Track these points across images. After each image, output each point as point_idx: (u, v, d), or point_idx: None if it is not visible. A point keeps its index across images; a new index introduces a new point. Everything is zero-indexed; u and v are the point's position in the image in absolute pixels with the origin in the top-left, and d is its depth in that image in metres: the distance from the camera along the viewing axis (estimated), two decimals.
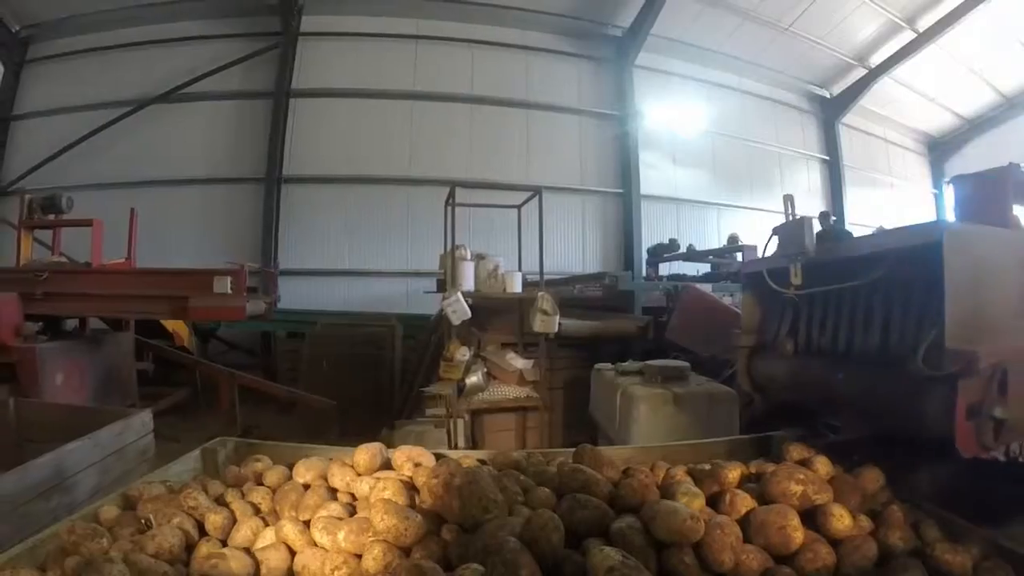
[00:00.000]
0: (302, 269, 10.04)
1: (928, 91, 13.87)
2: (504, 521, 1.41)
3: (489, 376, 4.98)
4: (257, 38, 10.77)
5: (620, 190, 11.65)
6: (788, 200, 2.63)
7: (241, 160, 10.59)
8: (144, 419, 3.21)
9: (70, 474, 2.63)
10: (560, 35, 11.61)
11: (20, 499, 2.31)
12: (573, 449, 2.13)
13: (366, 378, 7.01)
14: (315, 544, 1.52)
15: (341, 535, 1.46)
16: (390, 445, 4.04)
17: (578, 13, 11.40)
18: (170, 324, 6.98)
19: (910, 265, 1.79)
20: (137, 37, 11.19)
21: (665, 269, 10.48)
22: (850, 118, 13.97)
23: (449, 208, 5.26)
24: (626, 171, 11.65)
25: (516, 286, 4.90)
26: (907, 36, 11.88)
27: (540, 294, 4.61)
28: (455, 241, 5.03)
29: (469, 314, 4.60)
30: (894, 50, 12.25)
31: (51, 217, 6.18)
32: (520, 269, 5.56)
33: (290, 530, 1.56)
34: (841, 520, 1.51)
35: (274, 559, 1.49)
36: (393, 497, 1.63)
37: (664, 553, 1.36)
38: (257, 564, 1.46)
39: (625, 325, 5.15)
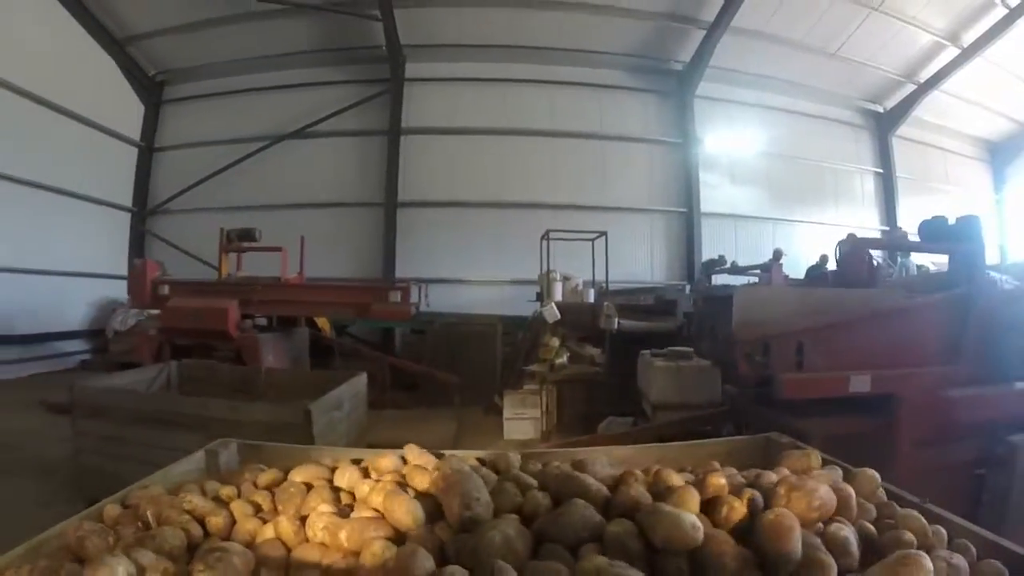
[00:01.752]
0: (417, 278, 11.39)
1: (981, 100, 14.84)
2: (493, 525, 1.44)
3: (571, 359, 7.22)
4: (370, 84, 13.14)
5: (683, 209, 13.30)
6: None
7: (363, 187, 13.07)
8: (362, 378, 5.38)
9: (344, 400, 4.87)
10: (628, 72, 13.47)
11: (326, 408, 4.45)
12: (574, 449, 2.35)
13: (476, 364, 8.98)
14: (313, 541, 1.57)
15: (343, 534, 1.50)
16: (502, 409, 6.41)
17: (643, 51, 13.17)
18: (319, 321, 9.25)
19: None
20: (263, 83, 13.81)
21: (721, 280, 11.78)
22: (905, 130, 15.09)
23: (544, 242, 7.69)
24: (688, 192, 13.30)
25: (590, 297, 7.26)
26: (952, 52, 13.01)
27: (605, 303, 6.84)
28: (549, 266, 7.48)
29: (559, 316, 7.03)
30: (941, 65, 13.36)
31: (244, 243, 8.95)
32: (594, 282, 7.92)
33: (287, 527, 1.61)
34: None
35: (273, 556, 1.53)
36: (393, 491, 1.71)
37: (659, 559, 1.37)
38: (258, 559, 1.50)
39: (666, 325, 7.06)
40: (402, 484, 1.82)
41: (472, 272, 12.76)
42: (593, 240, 9.35)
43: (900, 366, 3.25)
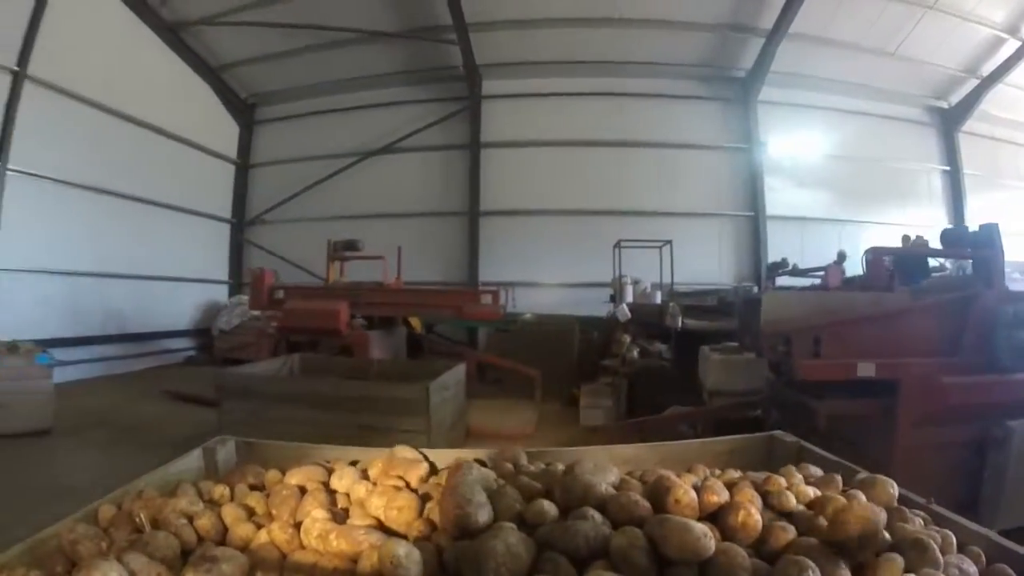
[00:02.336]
0: (499, 281, 12.21)
1: None
2: (494, 533, 1.42)
3: (640, 354, 8.12)
4: (450, 102, 14.27)
5: (750, 213, 13.78)
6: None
7: (447, 198, 14.23)
8: (462, 367, 6.53)
9: (450, 384, 5.93)
10: (692, 81, 13.98)
11: (439, 388, 5.47)
12: (574, 449, 2.40)
13: (555, 360, 9.82)
14: (307, 547, 1.57)
15: (338, 541, 1.50)
16: (579, 400, 7.62)
17: (706, 61, 13.68)
18: (412, 320, 10.43)
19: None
20: (349, 103, 15.21)
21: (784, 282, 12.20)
22: (972, 125, 14.99)
23: (616, 250, 8.70)
24: (754, 196, 13.77)
25: (657, 299, 8.17)
26: (1014, 44, 13.07)
27: (670, 304, 7.73)
28: (621, 271, 8.47)
29: (629, 316, 7.99)
30: (1004, 58, 13.39)
31: (347, 253, 10.50)
32: (661, 285, 8.84)
33: (280, 534, 1.61)
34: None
35: (267, 562, 1.54)
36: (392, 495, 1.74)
37: (668, 571, 1.36)
38: (251, 565, 1.50)
39: (725, 324, 7.76)
40: (400, 487, 1.87)
41: (550, 275, 13.64)
42: (660, 247, 10.32)
43: (903, 356, 3.90)
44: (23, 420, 6.99)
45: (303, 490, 1.94)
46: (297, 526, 1.65)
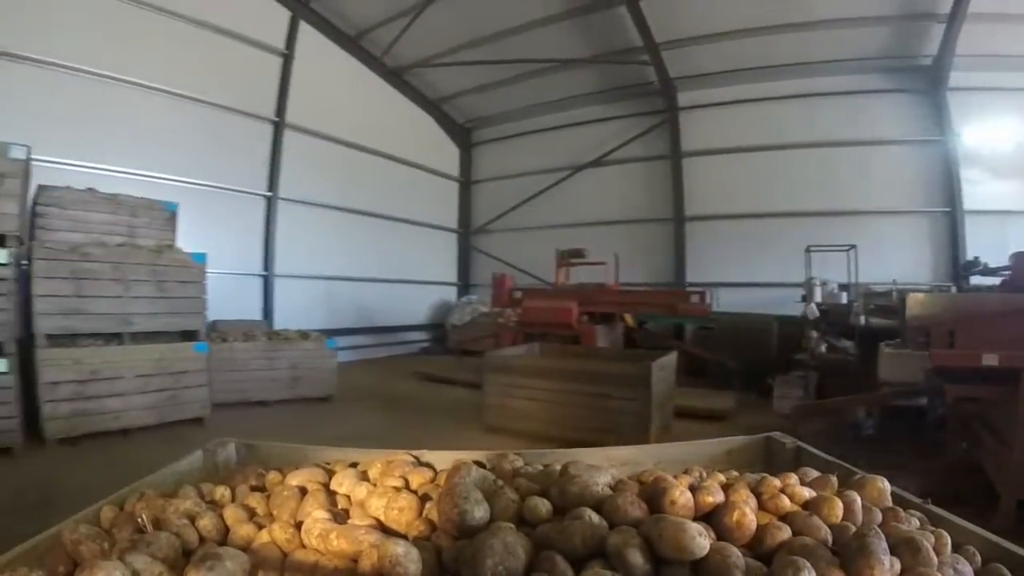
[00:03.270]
0: (703, 282, 13.71)
1: None
2: (493, 532, 1.47)
3: (828, 349, 9.09)
4: (649, 115, 15.52)
5: (946, 208, 13.10)
6: None
7: (652, 205, 15.58)
8: (674, 355, 7.74)
9: (665, 367, 7.25)
10: (877, 74, 13.57)
11: (658, 368, 6.80)
12: (573, 450, 2.49)
13: (753, 354, 10.89)
14: (308, 547, 1.60)
15: (338, 541, 1.53)
16: (773, 392, 8.94)
17: (889, 52, 13.15)
18: (626, 317, 11.97)
19: None
20: (556, 122, 17.18)
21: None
22: None
23: (806, 253, 9.90)
24: (949, 190, 13.09)
25: (843, 299, 9.23)
26: None
27: (855, 303, 8.78)
28: (810, 273, 9.74)
29: (818, 314, 9.09)
30: None
31: (574, 260, 12.55)
32: (849, 285, 9.91)
33: (281, 534, 1.65)
34: None
35: (269, 561, 1.58)
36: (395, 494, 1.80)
37: (664, 570, 1.39)
38: (253, 566, 1.53)
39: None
40: (400, 488, 1.90)
41: (748, 275, 14.25)
42: (847, 251, 11.04)
43: None
44: (315, 388, 9.78)
45: (304, 491, 2.00)
46: (298, 526, 1.70)
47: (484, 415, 7.98)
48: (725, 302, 13.04)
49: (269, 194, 13.60)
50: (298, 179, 14.05)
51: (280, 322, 12.95)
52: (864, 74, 13.65)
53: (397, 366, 14.22)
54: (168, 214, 8.57)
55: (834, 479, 2.04)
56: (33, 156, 6.95)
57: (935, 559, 1.47)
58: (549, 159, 17.56)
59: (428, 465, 2.21)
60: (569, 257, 12.79)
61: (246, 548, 1.65)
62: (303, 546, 1.63)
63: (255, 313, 13.14)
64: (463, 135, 19.66)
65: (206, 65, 12.24)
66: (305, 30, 14.33)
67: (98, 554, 1.54)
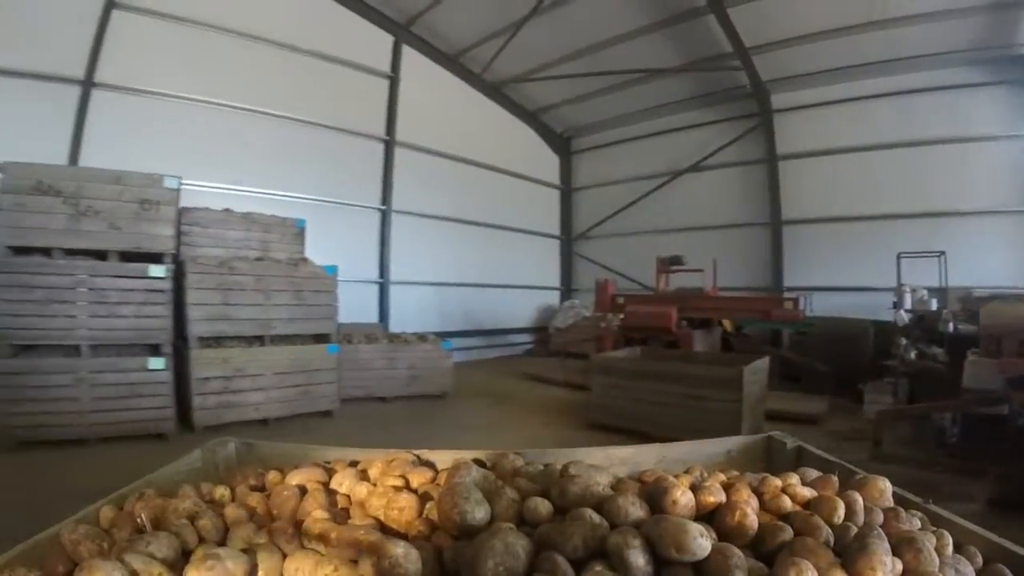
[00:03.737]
0: (800, 287, 13.91)
1: None
2: (493, 533, 1.48)
3: (918, 356, 9.16)
4: (743, 119, 15.69)
5: None
6: None
7: (748, 210, 15.78)
8: (767, 359, 8.29)
9: (758, 371, 7.73)
10: (972, 67, 12.82)
11: (750, 372, 7.23)
12: (571, 450, 2.48)
13: (848, 359, 10.94)
14: (308, 548, 1.60)
15: (333, 537, 1.54)
16: (863, 397, 9.29)
17: (981, 43, 12.35)
18: (724, 322, 12.52)
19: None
20: (651, 129, 17.75)
21: None
22: None
23: (897, 261, 10.50)
24: None
25: (933, 305, 9.52)
26: None
27: (944, 310, 8.98)
28: (900, 280, 10.18)
29: (907, 321, 9.36)
30: None
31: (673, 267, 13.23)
32: (940, 290, 10.13)
33: (281, 533, 1.66)
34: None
35: (268, 561, 1.56)
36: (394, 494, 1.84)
37: (665, 570, 1.41)
38: (252, 566, 1.52)
39: None
40: (400, 488, 1.92)
41: (844, 279, 14.11)
42: (937, 257, 11.06)
43: None
44: (431, 386, 10.78)
45: (304, 491, 2.00)
46: (298, 526, 1.70)
47: (589, 412, 8.66)
48: (822, 306, 13.25)
49: (383, 207, 14.89)
50: (409, 192, 15.31)
51: (395, 325, 14.21)
52: (957, 67, 13.00)
53: (504, 366, 15.28)
54: (297, 230, 9.85)
55: (835, 479, 2.08)
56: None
57: (937, 559, 1.50)
58: (647, 165, 18.03)
59: (428, 465, 2.23)
60: (669, 264, 13.42)
61: (246, 548, 1.66)
62: (303, 547, 1.65)
63: (372, 316, 14.40)
64: (562, 144, 20.38)
65: (322, 92, 13.72)
66: (408, 52, 15.54)
67: (97, 554, 1.57)
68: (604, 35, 14.64)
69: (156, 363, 7.56)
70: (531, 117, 19.23)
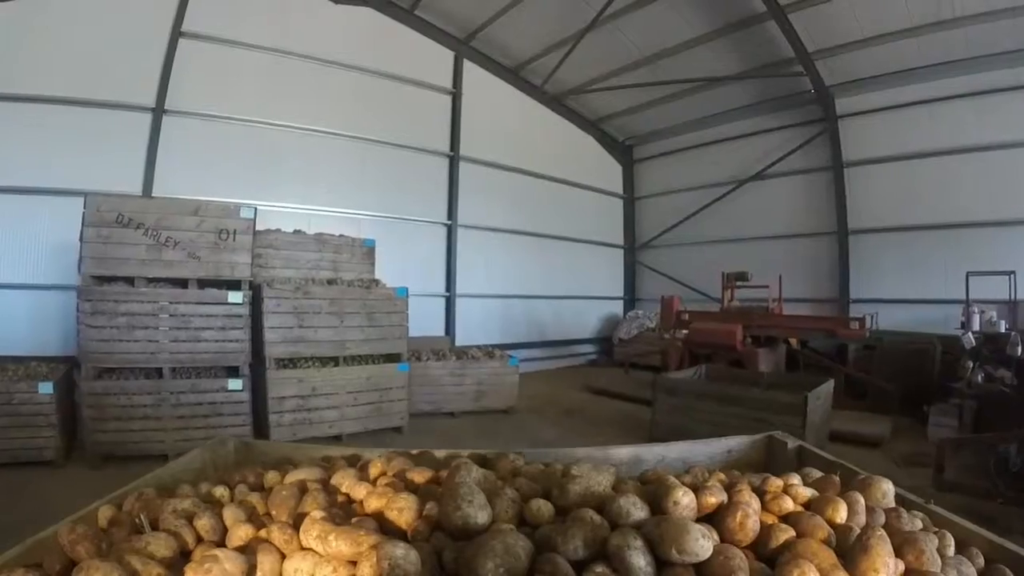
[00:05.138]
0: (867, 298, 13.88)
1: None
2: (493, 534, 1.49)
3: (985, 378, 9.00)
4: (807, 125, 15.48)
5: None
6: None
7: (813, 219, 15.64)
8: (831, 382, 8.49)
9: (822, 395, 7.90)
10: None
11: (814, 397, 7.39)
12: (572, 450, 2.49)
13: (912, 376, 10.78)
14: (307, 548, 1.60)
15: (337, 542, 1.52)
16: (928, 418, 9.24)
17: None
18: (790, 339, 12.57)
19: None
20: (714, 137, 17.63)
21: None
22: None
23: (966, 279, 10.44)
24: None
25: (1002, 327, 9.52)
26: None
27: (1012, 333, 8.95)
28: (969, 299, 10.13)
29: (974, 343, 9.29)
30: None
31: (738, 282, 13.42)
32: (1010, 308, 10.10)
33: (279, 535, 1.66)
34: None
35: (267, 562, 1.57)
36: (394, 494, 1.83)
37: (666, 571, 1.42)
38: (251, 567, 1.54)
39: None
40: (400, 487, 1.94)
41: (913, 291, 13.63)
42: (1008, 276, 10.55)
43: None
44: (497, 401, 11.17)
45: (303, 490, 2.01)
46: (296, 526, 1.70)
47: (653, 429, 8.89)
48: (889, 319, 12.95)
49: (449, 222, 15.46)
50: (473, 206, 15.83)
51: (461, 338, 14.77)
52: None
53: (568, 378, 15.55)
54: (366, 249, 10.49)
55: (837, 480, 2.09)
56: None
57: (939, 560, 1.52)
58: (710, 174, 17.92)
59: (428, 464, 2.23)
60: (734, 280, 13.60)
61: (244, 548, 1.68)
62: (302, 547, 1.65)
63: (439, 329, 15.00)
64: (625, 152, 20.49)
65: (388, 110, 14.44)
66: (469, 67, 16.05)
67: (95, 554, 1.58)
68: (664, 44, 14.80)
69: (235, 384, 8.02)
70: (592, 126, 19.45)
